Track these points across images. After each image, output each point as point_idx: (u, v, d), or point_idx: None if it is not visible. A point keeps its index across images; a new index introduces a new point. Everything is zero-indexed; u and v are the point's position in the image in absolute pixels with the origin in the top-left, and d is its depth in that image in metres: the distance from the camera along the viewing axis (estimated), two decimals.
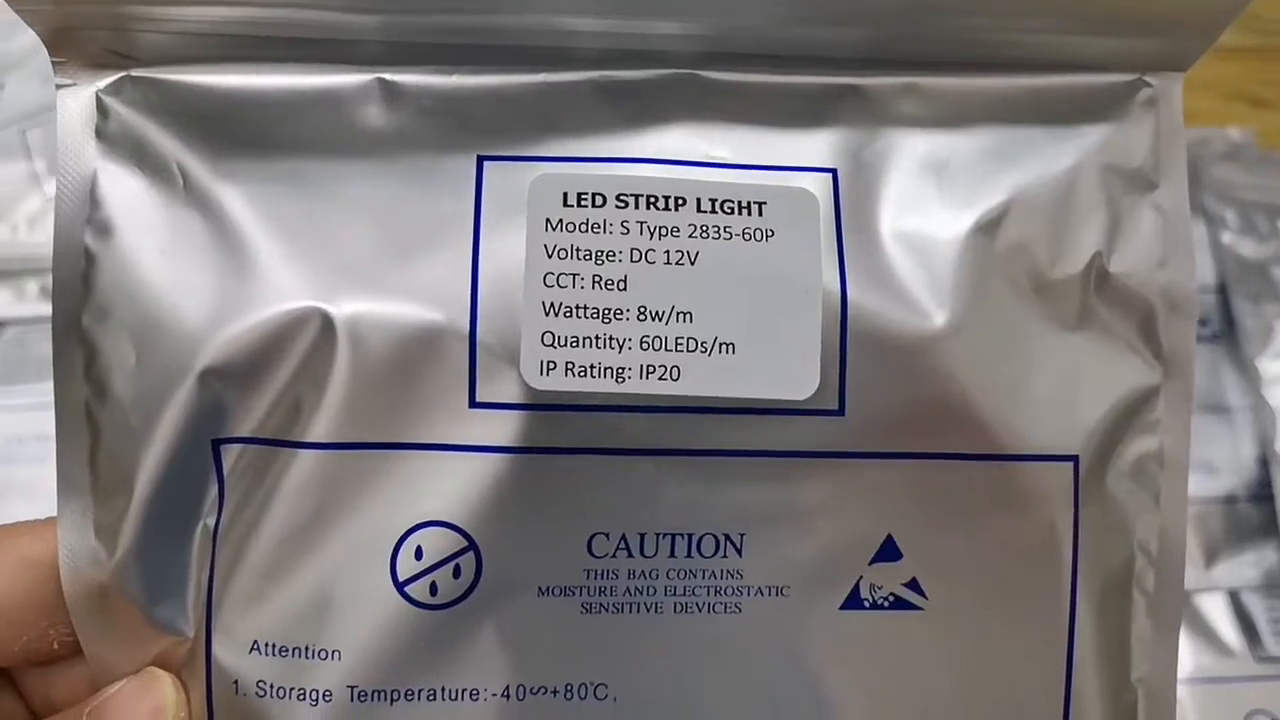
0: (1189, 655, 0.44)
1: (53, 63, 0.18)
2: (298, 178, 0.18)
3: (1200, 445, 0.47)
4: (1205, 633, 0.44)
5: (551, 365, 0.17)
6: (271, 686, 0.18)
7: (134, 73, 0.18)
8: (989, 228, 0.19)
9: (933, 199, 0.19)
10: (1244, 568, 0.45)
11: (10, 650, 0.20)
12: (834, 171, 0.19)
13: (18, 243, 0.53)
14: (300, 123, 0.18)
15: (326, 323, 0.18)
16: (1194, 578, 0.45)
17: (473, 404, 0.18)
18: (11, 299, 0.53)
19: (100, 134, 0.18)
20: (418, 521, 0.18)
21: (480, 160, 0.18)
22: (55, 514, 0.19)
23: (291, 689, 0.18)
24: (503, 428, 0.18)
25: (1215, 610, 0.45)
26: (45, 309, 0.52)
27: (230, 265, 0.18)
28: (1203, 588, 0.45)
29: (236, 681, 0.19)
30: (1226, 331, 0.49)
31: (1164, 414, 0.20)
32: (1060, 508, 0.19)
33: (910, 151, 0.19)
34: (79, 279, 0.18)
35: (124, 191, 0.18)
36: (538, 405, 0.18)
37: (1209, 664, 0.43)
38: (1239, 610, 0.45)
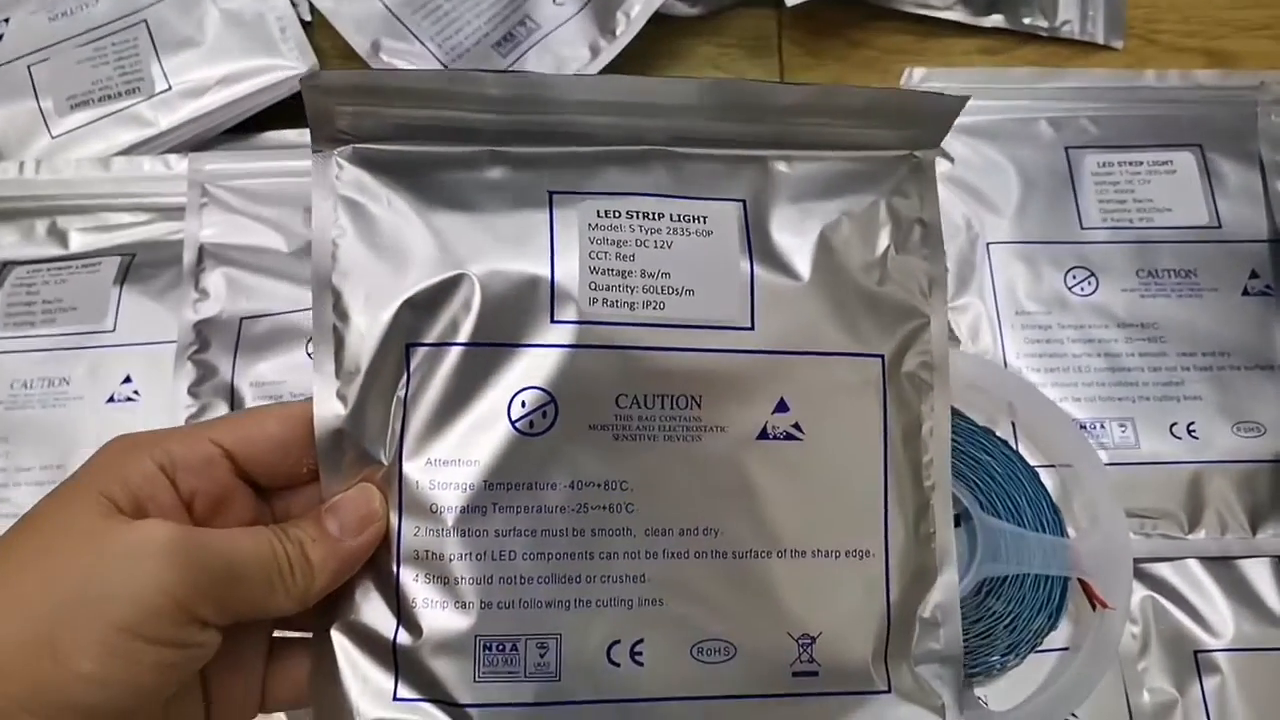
0: (1231, 623, 0.42)
1: (311, 143, 0.32)
2: (448, 201, 0.32)
3: (1247, 404, 0.45)
4: (1250, 600, 0.42)
5: (593, 300, 0.31)
6: (437, 483, 0.30)
7: (356, 145, 0.32)
8: (830, 229, 0.33)
9: (798, 216, 0.33)
10: None
11: (280, 474, 0.31)
12: (744, 201, 0.33)
13: (25, 182, 0.52)
14: (449, 172, 0.32)
15: (468, 279, 0.31)
16: (1239, 544, 0.43)
17: (551, 320, 0.31)
18: (19, 239, 0.52)
19: (338, 178, 0.32)
20: (522, 385, 0.31)
21: (550, 193, 0.32)
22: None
23: (451, 483, 0.30)
24: (567, 334, 0.31)
25: (1261, 578, 0.43)
26: (53, 250, 0.51)
27: (412, 246, 0.31)
28: (1248, 554, 0.43)
29: (416, 483, 0.30)
30: (1278, 285, 0.47)
31: (932, 341, 0.34)
32: (875, 384, 0.33)
33: (785, 192, 0.33)
34: (330, 254, 0.31)
35: (353, 208, 0.32)
36: (586, 321, 0.31)
37: (1254, 633, 0.41)
38: None
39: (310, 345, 0.39)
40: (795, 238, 0.33)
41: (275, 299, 0.48)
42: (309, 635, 0.31)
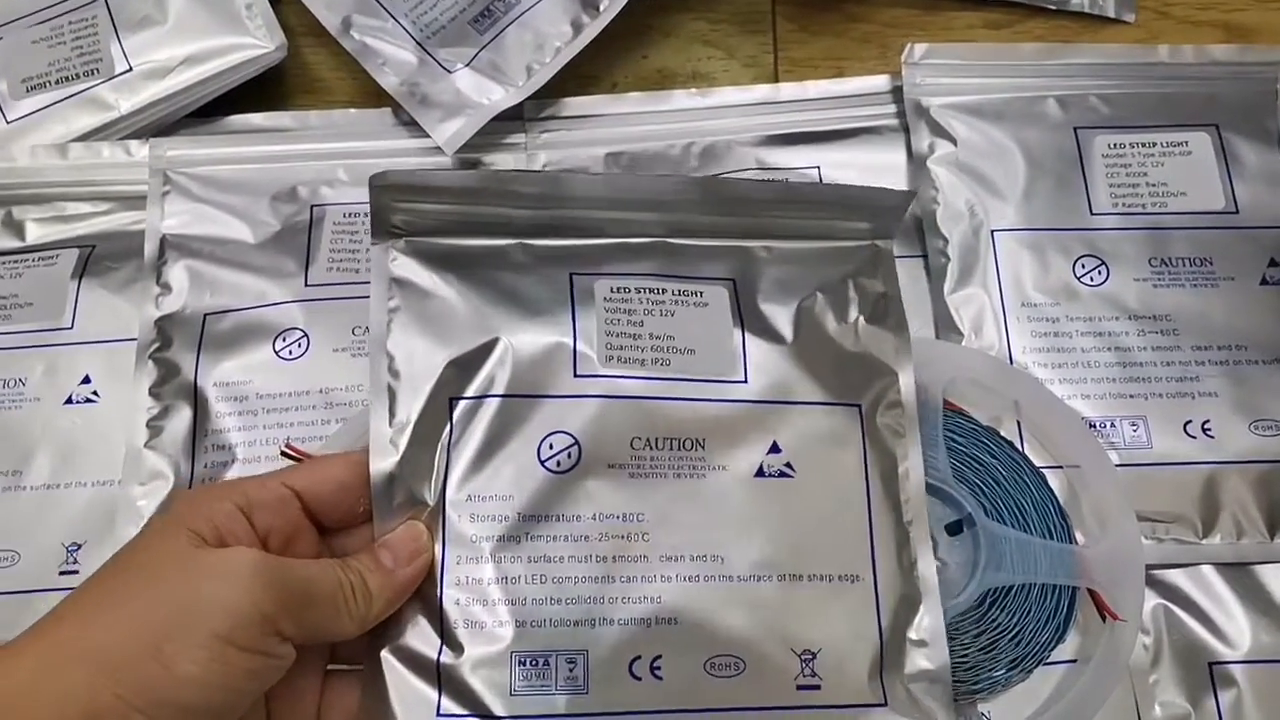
0: (1248, 633, 0.39)
1: (371, 235, 0.38)
2: (485, 282, 0.37)
3: (1266, 400, 0.42)
4: (1268, 609, 0.40)
5: (609, 358, 0.36)
6: (476, 516, 0.34)
7: (408, 239, 0.38)
8: (807, 301, 0.39)
9: (779, 291, 0.39)
10: None
11: (341, 514, 0.34)
12: (733, 280, 0.39)
13: None
14: (486, 260, 0.38)
15: (502, 342, 0.36)
16: (1256, 549, 0.41)
17: (574, 375, 0.36)
18: None
19: (392, 264, 0.37)
20: (550, 430, 0.35)
21: (571, 274, 0.38)
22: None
23: (488, 516, 0.34)
24: (589, 386, 0.36)
25: (1279, 584, 0.40)
26: (8, 242, 0.49)
27: (455, 318, 0.37)
28: (1266, 560, 0.40)
29: (458, 518, 0.34)
30: None
31: (902, 394, 0.38)
32: (856, 430, 0.37)
33: (766, 272, 0.39)
34: (385, 324, 0.37)
35: (405, 287, 0.37)
36: (604, 375, 0.36)
37: (1272, 644, 0.39)
38: None
39: (277, 341, 0.45)
40: (778, 307, 0.38)
41: (240, 294, 0.46)
42: (358, 668, 0.34)
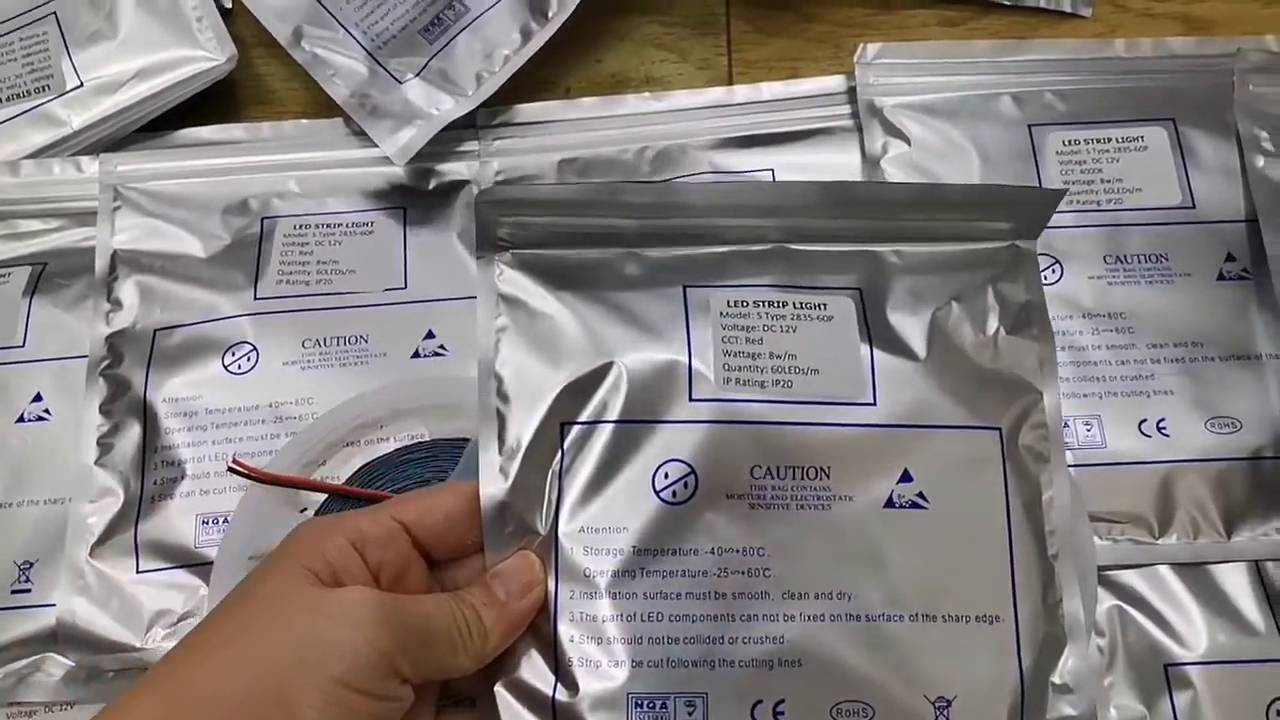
0: (1204, 634, 0.39)
1: (476, 249, 0.37)
2: (596, 298, 0.36)
3: (1222, 397, 0.42)
4: (1224, 610, 0.39)
5: (727, 380, 0.35)
6: (590, 549, 0.34)
7: (515, 251, 0.37)
8: (941, 313, 0.36)
9: (911, 301, 0.36)
10: (1270, 536, 0.40)
11: (450, 546, 0.34)
12: (859, 289, 0.36)
13: None
14: (595, 273, 0.37)
15: (616, 366, 0.35)
16: (1213, 548, 0.40)
17: (690, 399, 0.35)
18: None
19: (499, 278, 0.36)
20: (665, 458, 0.34)
21: (684, 287, 0.36)
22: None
23: (603, 549, 0.34)
24: (705, 411, 0.34)
25: (1237, 585, 0.40)
26: None
27: (566, 338, 0.35)
28: (1222, 559, 0.40)
29: (571, 550, 0.34)
30: (1256, 269, 0.44)
31: (1047, 414, 0.36)
32: (995, 456, 0.35)
33: (897, 280, 0.37)
34: (493, 344, 0.36)
35: (514, 305, 0.36)
36: (722, 399, 0.35)
37: (1229, 644, 0.39)
38: (1263, 584, 0.40)
39: (226, 355, 0.45)
40: (910, 319, 0.36)
41: (190, 309, 0.46)
42: (468, 703, 0.34)
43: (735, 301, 0.36)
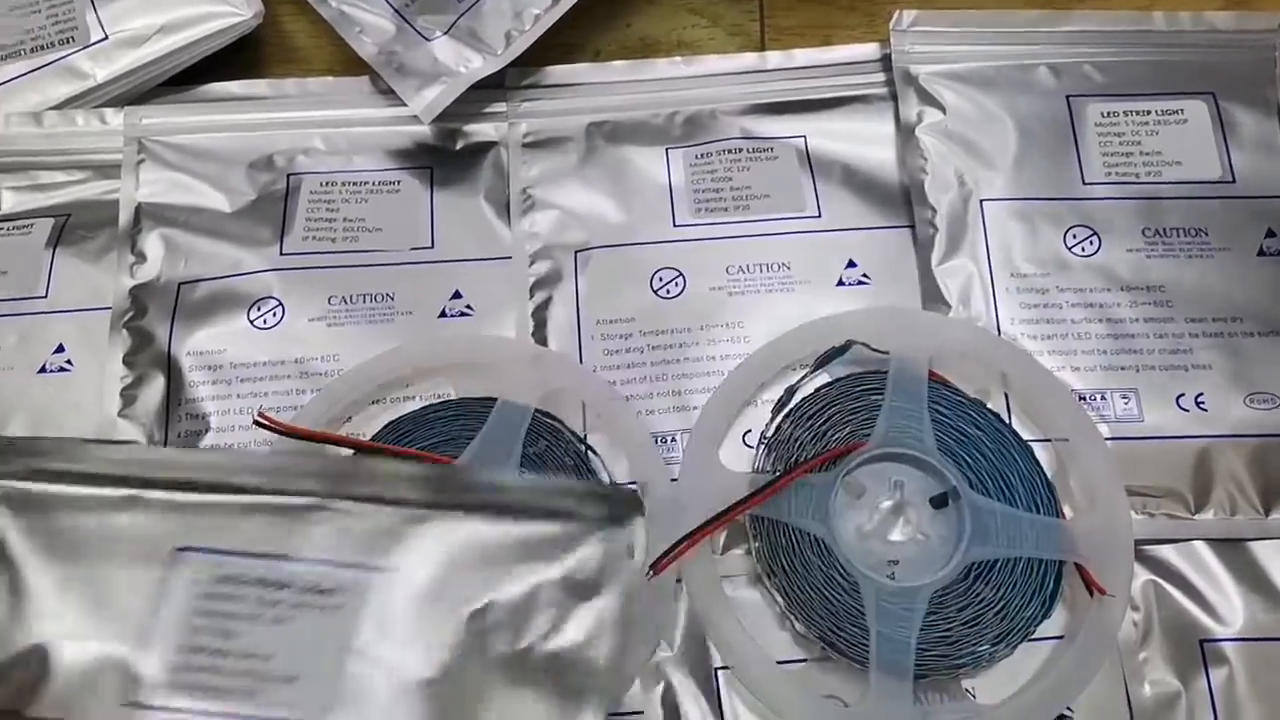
0: (1241, 610, 0.38)
1: None
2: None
3: (1261, 373, 0.41)
4: (1262, 586, 0.39)
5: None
6: None
7: None
8: (477, 615, 0.30)
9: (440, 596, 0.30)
10: None
11: None
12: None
13: None
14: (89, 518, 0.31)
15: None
16: (1250, 525, 0.39)
17: None
18: None
19: None
20: None
21: (179, 550, 0.30)
22: None
23: None
24: None
25: (1274, 561, 0.39)
26: None
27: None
28: (1259, 536, 0.39)
29: None
30: None
31: None
32: None
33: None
34: None
35: None
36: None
37: (1266, 621, 0.38)
38: None
39: (251, 310, 0.44)
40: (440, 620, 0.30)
41: (215, 263, 0.45)
42: None
43: (226, 576, 0.30)
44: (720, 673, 0.38)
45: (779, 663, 0.37)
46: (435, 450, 0.40)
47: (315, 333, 0.44)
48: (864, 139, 0.47)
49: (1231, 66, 0.47)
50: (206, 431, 0.42)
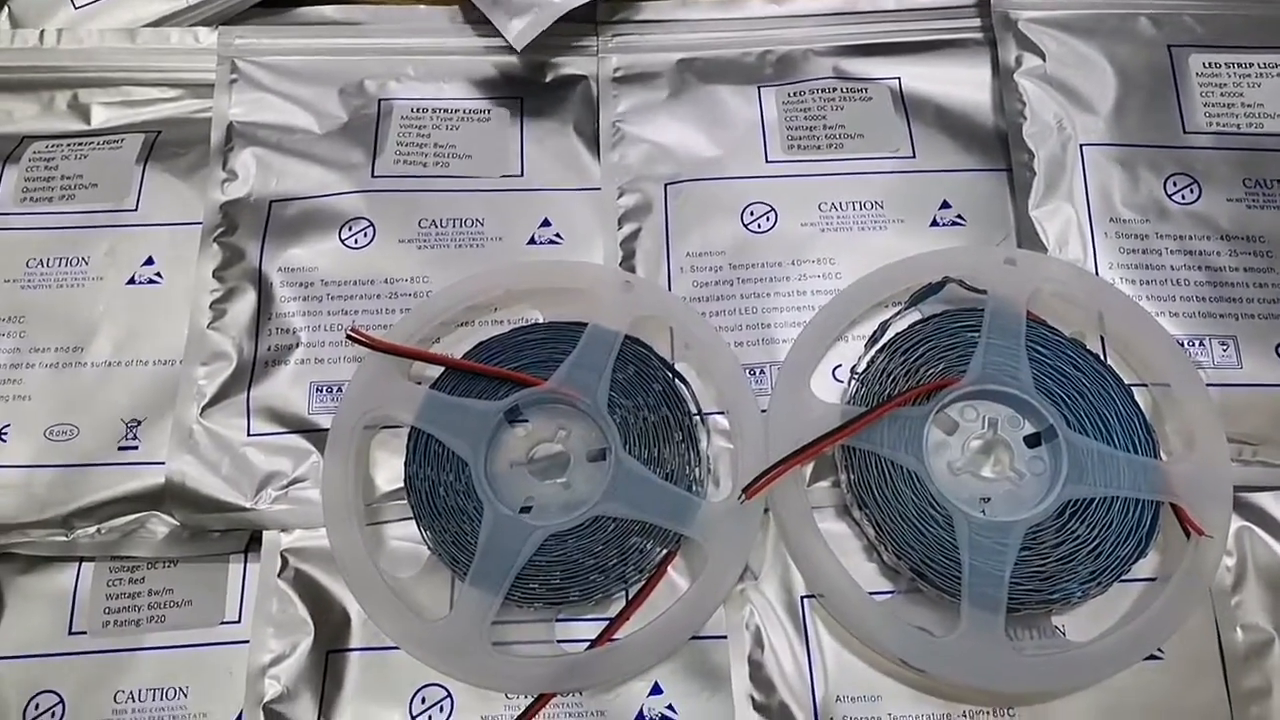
0: None
1: None
2: None
3: None
4: None
5: None
6: None
7: None
8: None
9: None
10: None
11: None
12: None
13: (45, 51, 0.49)
14: None
15: None
16: None
17: None
18: (38, 112, 0.49)
19: None
20: None
21: None
22: None
23: None
24: None
25: None
26: (74, 124, 0.48)
27: None
28: None
29: None
30: None
31: None
32: None
33: None
34: None
35: None
36: None
37: None
38: None
39: (343, 230, 0.44)
40: None
41: (306, 182, 0.45)
42: None
43: None
44: (806, 601, 0.38)
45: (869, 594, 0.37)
46: (525, 372, 0.40)
47: (406, 254, 0.44)
48: (959, 82, 0.47)
49: None
50: (297, 346, 0.42)
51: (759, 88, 0.47)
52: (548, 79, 0.48)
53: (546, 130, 0.47)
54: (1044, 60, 0.46)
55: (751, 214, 0.44)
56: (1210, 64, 0.45)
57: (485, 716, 0.37)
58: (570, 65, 0.49)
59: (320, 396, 0.41)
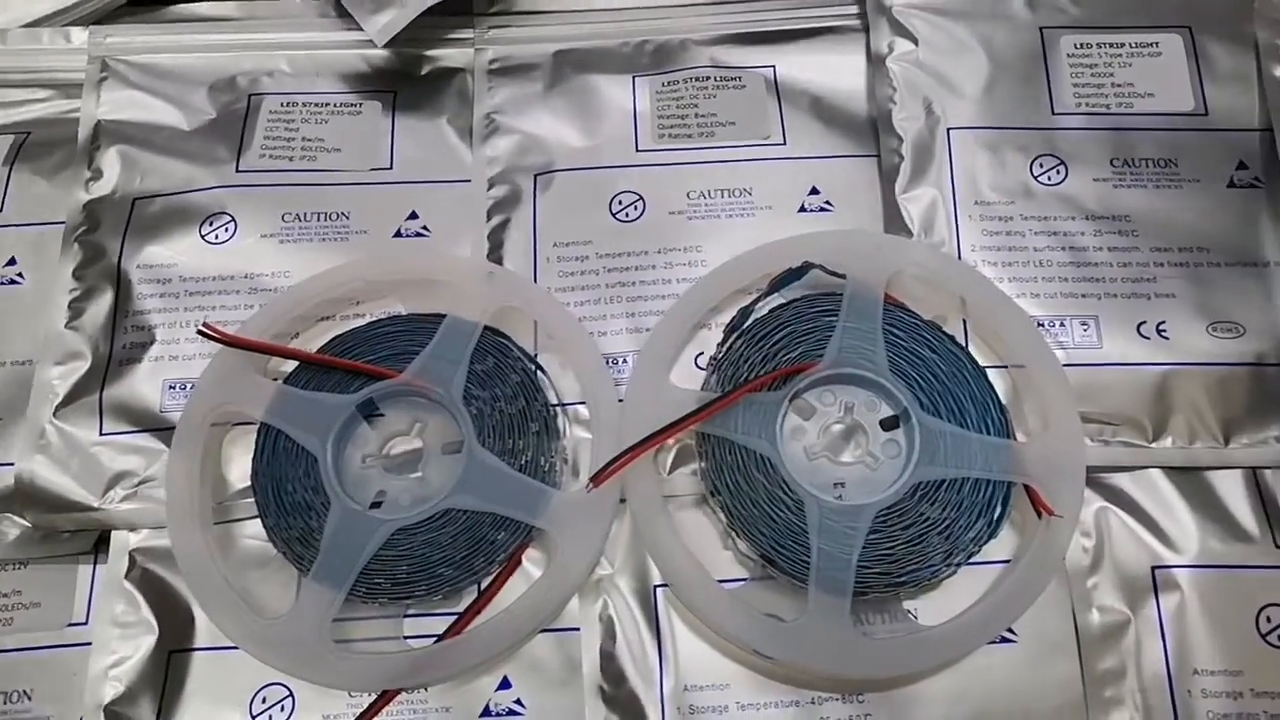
0: (1195, 538, 0.37)
1: None
2: None
3: (1225, 303, 0.40)
4: (1218, 515, 0.38)
5: None
6: None
7: None
8: None
9: None
10: (1269, 443, 0.38)
11: None
12: None
13: None
14: None
15: None
16: (1209, 454, 0.38)
17: None
18: None
19: None
20: None
21: None
22: None
23: None
24: None
25: (1232, 491, 0.38)
26: None
27: None
28: (1218, 465, 0.38)
29: None
30: (1269, 177, 0.42)
31: None
32: None
33: None
34: None
35: None
36: None
37: (1220, 550, 0.37)
38: (1260, 491, 0.38)
39: (204, 225, 0.43)
40: None
41: (170, 178, 0.45)
42: None
43: None
44: (659, 590, 0.38)
45: (720, 581, 0.37)
46: (382, 365, 0.40)
47: (267, 249, 0.43)
48: (834, 69, 0.47)
49: (1210, 1, 0.46)
50: (151, 344, 0.41)
51: (634, 77, 0.47)
52: (424, 71, 0.48)
53: (419, 123, 0.47)
54: (916, 45, 0.45)
55: (620, 203, 0.44)
56: (1082, 44, 0.45)
57: (328, 715, 0.36)
58: (446, 58, 0.48)
59: (173, 394, 0.41)
